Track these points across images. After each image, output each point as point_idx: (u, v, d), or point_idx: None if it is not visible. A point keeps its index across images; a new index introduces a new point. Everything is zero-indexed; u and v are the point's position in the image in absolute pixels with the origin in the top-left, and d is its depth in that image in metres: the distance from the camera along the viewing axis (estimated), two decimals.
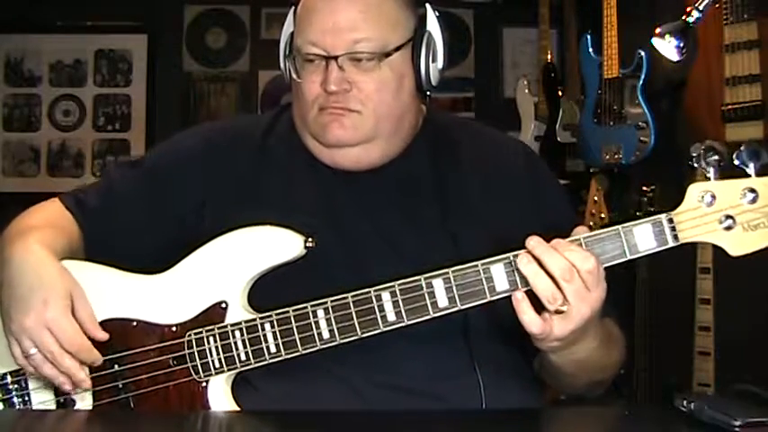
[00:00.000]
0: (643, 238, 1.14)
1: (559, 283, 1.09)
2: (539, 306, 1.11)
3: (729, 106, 2.32)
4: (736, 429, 0.98)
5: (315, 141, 1.35)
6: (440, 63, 1.37)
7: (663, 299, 3.01)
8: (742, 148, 1.12)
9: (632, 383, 3.02)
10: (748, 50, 2.29)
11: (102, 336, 1.24)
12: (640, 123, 2.83)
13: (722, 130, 2.34)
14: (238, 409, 1.25)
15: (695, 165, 1.14)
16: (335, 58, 1.28)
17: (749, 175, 1.12)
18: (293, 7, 1.37)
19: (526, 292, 1.11)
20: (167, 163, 1.44)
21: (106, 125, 4.29)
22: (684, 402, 1.07)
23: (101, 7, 4.18)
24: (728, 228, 1.12)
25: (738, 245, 1.13)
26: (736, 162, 1.12)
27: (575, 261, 1.09)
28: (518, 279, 1.14)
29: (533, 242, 1.11)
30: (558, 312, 1.10)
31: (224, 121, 1.53)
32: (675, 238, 1.14)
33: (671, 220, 1.14)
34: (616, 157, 2.90)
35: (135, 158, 1.53)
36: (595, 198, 3.04)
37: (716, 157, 1.13)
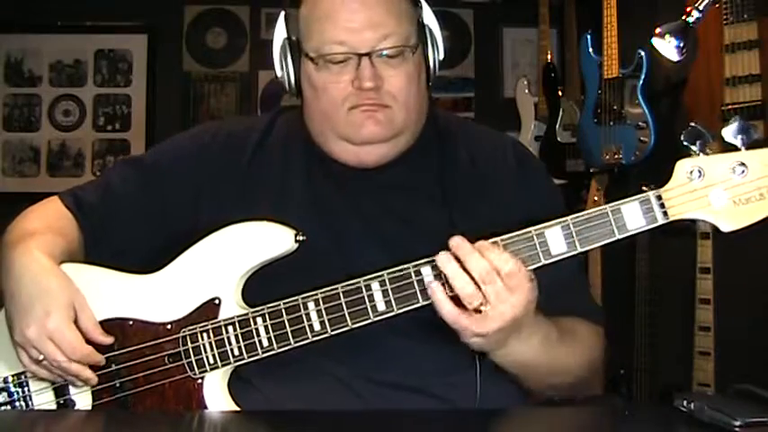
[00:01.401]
0: (631, 216, 1.12)
1: (479, 284, 1.10)
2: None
3: (729, 106, 2.32)
4: (736, 429, 0.97)
5: (342, 141, 1.34)
6: (441, 55, 1.38)
7: (663, 299, 3.01)
8: (731, 122, 1.09)
9: (632, 383, 3.02)
10: (748, 50, 2.29)
11: (107, 340, 1.26)
12: (640, 123, 2.83)
13: (719, 133, 2.34)
14: (235, 405, 1.25)
15: (684, 143, 1.11)
16: (368, 54, 1.28)
17: (739, 150, 1.09)
18: (284, 12, 1.36)
19: None
20: (166, 161, 1.45)
21: (106, 125, 4.29)
22: (684, 402, 1.07)
23: (101, 7, 4.18)
24: (719, 203, 1.09)
25: (730, 220, 1.10)
26: (726, 137, 1.09)
27: (495, 262, 1.11)
28: None
29: (455, 242, 1.12)
30: (477, 311, 1.11)
31: (223, 121, 1.54)
32: (665, 215, 1.12)
33: (659, 197, 1.12)
34: (616, 157, 2.90)
35: (134, 157, 1.53)
36: (595, 198, 3.04)
37: (702, 132, 1.10)
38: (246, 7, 4.30)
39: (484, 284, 1.10)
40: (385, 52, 1.29)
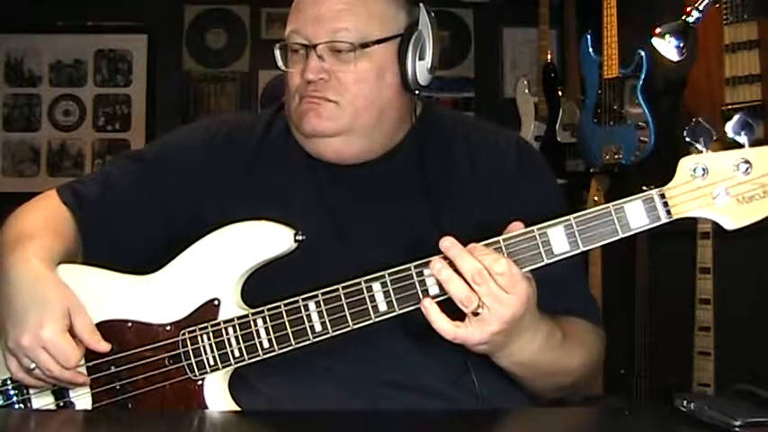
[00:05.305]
0: (635, 215, 1.11)
1: (472, 285, 1.10)
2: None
3: (729, 106, 2.32)
4: (736, 429, 0.97)
5: (299, 133, 1.36)
6: (428, 62, 1.36)
7: (663, 299, 3.01)
8: (734, 119, 1.08)
9: (632, 383, 3.02)
10: (748, 50, 2.29)
11: (104, 347, 1.24)
12: (640, 123, 2.83)
13: (722, 131, 2.34)
14: (236, 407, 1.24)
15: (687, 139, 1.10)
16: (315, 46, 1.29)
17: (742, 147, 1.08)
18: None
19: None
20: (167, 156, 1.44)
21: (106, 125, 4.29)
22: (684, 402, 1.07)
23: (101, 7, 4.18)
24: (722, 201, 1.09)
25: (734, 218, 1.09)
26: (729, 134, 1.08)
27: (486, 263, 1.10)
28: None
29: (447, 243, 1.12)
30: (475, 314, 1.11)
31: (225, 116, 1.54)
32: (668, 213, 1.11)
33: (663, 196, 1.11)
34: (616, 157, 2.90)
35: (136, 151, 1.52)
36: (595, 198, 3.04)
37: (706, 128, 1.09)
38: (247, 7, 4.30)
39: (476, 285, 1.10)
40: (337, 47, 1.29)
